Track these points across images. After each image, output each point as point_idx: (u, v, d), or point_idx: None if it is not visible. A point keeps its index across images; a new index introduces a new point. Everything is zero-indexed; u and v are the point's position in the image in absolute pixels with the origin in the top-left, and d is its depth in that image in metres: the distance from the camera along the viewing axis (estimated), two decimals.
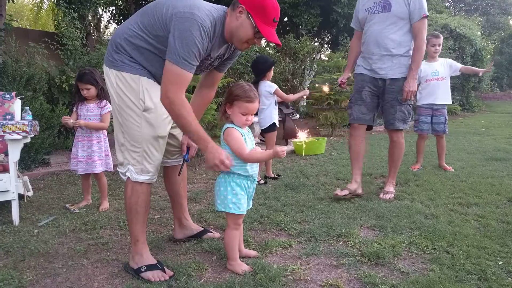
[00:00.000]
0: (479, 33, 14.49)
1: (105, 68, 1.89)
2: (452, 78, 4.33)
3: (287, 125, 4.79)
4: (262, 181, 3.72)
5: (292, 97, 4.30)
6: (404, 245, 2.14)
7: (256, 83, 3.90)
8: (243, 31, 1.78)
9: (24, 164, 4.26)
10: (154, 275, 1.81)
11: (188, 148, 2.11)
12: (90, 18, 8.54)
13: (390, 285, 1.70)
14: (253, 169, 1.89)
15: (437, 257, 1.98)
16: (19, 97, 3.38)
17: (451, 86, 4.29)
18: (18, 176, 2.90)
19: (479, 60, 13.09)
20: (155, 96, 1.80)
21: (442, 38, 4.16)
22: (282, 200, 3.07)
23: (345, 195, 2.99)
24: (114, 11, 11.16)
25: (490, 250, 2.03)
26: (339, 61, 7.70)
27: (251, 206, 2.01)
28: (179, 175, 2.14)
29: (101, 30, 10.65)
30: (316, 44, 11.49)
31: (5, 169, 2.71)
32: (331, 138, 6.99)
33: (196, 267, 1.91)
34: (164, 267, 1.87)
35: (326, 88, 6.23)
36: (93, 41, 8.22)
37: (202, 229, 2.34)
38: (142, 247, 1.92)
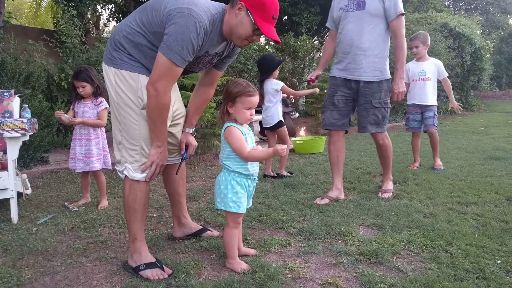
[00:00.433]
0: (478, 32, 14.50)
1: (104, 66, 1.88)
2: (451, 77, 4.32)
3: (287, 123, 4.79)
4: (275, 175, 3.90)
5: (300, 92, 4.31)
6: (403, 243, 2.14)
7: (262, 81, 3.91)
8: (242, 28, 1.78)
9: (23, 162, 4.26)
10: (153, 273, 1.80)
11: (186, 147, 2.11)
12: (89, 16, 8.52)
13: (389, 283, 1.71)
14: (254, 167, 1.89)
15: (435, 255, 1.98)
16: (18, 95, 3.38)
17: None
18: (17, 174, 2.90)
19: (479, 59, 13.11)
20: None
21: (420, 38, 4.09)
22: (281, 198, 3.07)
23: (326, 203, 2.92)
24: (113, 9, 11.13)
25: (489, 249, 2.03)
26: None
27: (251, 205, 2.01)
28: (177, 174, 2.14)
29: (100, 28, 10.63)
30: (315, 42, 11.49)
31: (4, 167, 2.71)
32: None
33: (195, 265, 1.91)
34: (163, 266, 1.86)
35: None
36: (92, 39, 8.21)
37: (201, 227, 2.34)
38: (141, 245, 1.92)
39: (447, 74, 4.19)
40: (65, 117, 2.90)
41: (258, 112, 5.98)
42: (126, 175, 1.86)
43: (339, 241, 2.22)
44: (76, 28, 6.21)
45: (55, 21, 7.52)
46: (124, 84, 1.81)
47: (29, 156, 4.37)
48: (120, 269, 1.93)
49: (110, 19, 11.38)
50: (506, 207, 2.76)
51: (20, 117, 3.09)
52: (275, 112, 3.88)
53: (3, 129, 2.61)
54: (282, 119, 3.95)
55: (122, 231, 2.45)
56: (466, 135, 7.00)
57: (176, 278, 1.79)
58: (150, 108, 1.76)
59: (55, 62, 5.79)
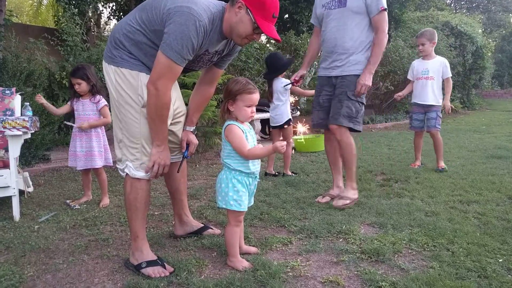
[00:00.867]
0: (480, 30, 14.48)
1: (104, 64, 1.88)
2: (452, 75, 4.29)
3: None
4: (276, 173, 3.93)
5: (308, 92, 4.31)
6: (404, 242, 2.14)
7: (271, 80, 3.89)
8: (242, 26, 1.78)
9: (25, 160, 4.26)
10: (154, 271, 1.81)
11: (187, 145, 2.11)
12: (90, 14, 8.51)
13: (390, 282, 1.71)
14: (255, 166, 1.89)
15: (437, 254, 1.98)
16: (19, 93, 3.38)
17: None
18: (19, 172, 2.90)
19: (480, 58, 13.08)
20: None
21: (426, 36, 3.99)
22: (282, 197, 3.07)
23: (327, 202, 2.92)
24: (114, 7, 11.11)
25: (490, 247, 2.03)
26: None
27: (252, 203, 2.01)
28: (178, 172, 2.14)
29: (101, 26, 10.62)
30: None
31: (6, 165, 2.71)
32: None
33: (196, 263, 1.92)
34: (165, 263, 1.87)
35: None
36: (93, 37, 8.20)
37: (202, 225, 2.34)
38: (142, 243, 1.92)
39: (450, 75, 4.09)
40: (43, 102, 3.02)
41: (259, 110, 5.99)
42: (127, 173, 1.86)
43: (341, 239, 2.22)
44: (77, 26, 6.20)
45: (56, 19, 7.53)
46: (124, 82, 1.81)
47: (30, 154, 4.38)
48: (121, 266, 1.93)
49: (111, 17, 11.36)
50: (507, 205, 2.75)
51: (21, 115, 3.09)
52: (284, 111, 3.87)
53: (5, 127, 2.62)
54: (291, 117, 3.94)
55: (124, 229, 2.45)
56: (467, 133, 6.99)
57: (177, 276, 1.79)
58: (150, 107, 1.75)
59: (56, 60, 5.79)
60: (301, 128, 4.50)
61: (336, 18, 2.84)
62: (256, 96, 1.84)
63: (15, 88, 3.35)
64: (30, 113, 2.99)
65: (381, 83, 9.40)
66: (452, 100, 4.12)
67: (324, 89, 2.99)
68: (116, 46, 1.83)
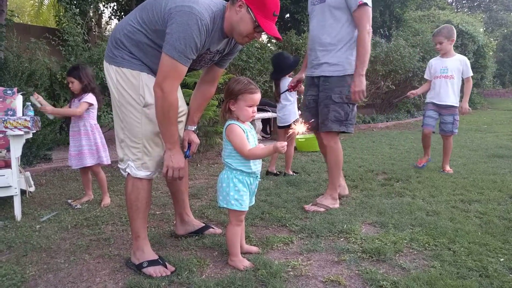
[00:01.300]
0: (481, 29, 14.45)
1: (105, 64, 1.88)
2: None
3: None
4: (277, 172, 3.94)
5: None
6: (405, 241, 2.14)
7: (278, 80, 3.88)
8: (243, 25, 1.77)
9: (26, 159, 4.28)
10: (155, 271, 1.81)
11: (189, 145, 2.11)
12: (91, 14, 8.52)
13: (391, 281, 1.71)
14: (256, 166, 1.89)
15: (438, 253, 1.98)
16: (21, 92, 3.39)
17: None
18: (20, 172, 2.91)
19: (482, 57, 13.06)
20: None
21: (444, 33, 3.81)
22: (283, 196, 3.07)
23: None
24: (115, 7, 11.13)
25: (492, 247, 2.03)
26: None
27: (253, 203, 2.01)
28: None
29: (103, 26, 10.63)
30: None
31: (7, 165, 2.72)
32: None
33: (197, 262, 1.92)
34: (166, 263, 1.87)
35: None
36: (95, 37, 8.21)
37: (204, 225, 2.35)
38: (143, 242, 1.92)
39: (471, 74, 3.85)
40: (40, 101, 2.97)
41: (260, 110, 5.98)
42: (128, 173, 1.87)
43: (342, 239, 2.22)
44: (78, 26, 6.21)
45: (57, 19, 7.53)
46: (126, 82, 1.81)
47: (32, 154, 4.39)
48: (123, 266, 1.94)
49: (112, 17, 11.39)
50: (509, 205, 2.75)
51: (23, 115, 3.10)
52: (292, 110, 3.87)
53: (6, 127, 2.62)
54: (298, 117, 3.94)
55: (125, 229, 2.46)
56: (469, 133, 6.98)
57: (178, 275, 1.79)
58: (157, 109, 1.74)
59: (58, 60, 5.80)
60: (300, 128, 4.48)
61: (317, 14, 2.78)
62: (257, 96, 1.84)
63: (16, 88, 3.36)
64: (31, 113, 3.00)
65: (382, 82, 9.39)
66: (458, 104, 3.91)
67: (309, 90, 2.92)
68: (117, 46, 1.83)
